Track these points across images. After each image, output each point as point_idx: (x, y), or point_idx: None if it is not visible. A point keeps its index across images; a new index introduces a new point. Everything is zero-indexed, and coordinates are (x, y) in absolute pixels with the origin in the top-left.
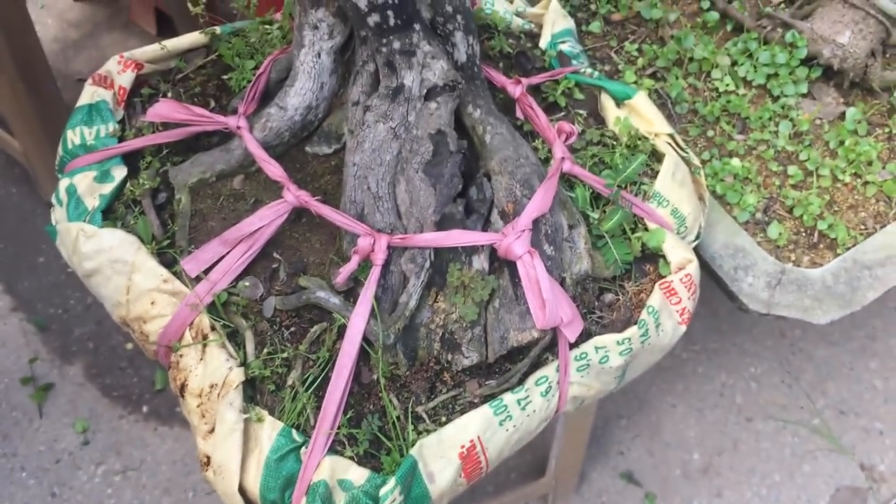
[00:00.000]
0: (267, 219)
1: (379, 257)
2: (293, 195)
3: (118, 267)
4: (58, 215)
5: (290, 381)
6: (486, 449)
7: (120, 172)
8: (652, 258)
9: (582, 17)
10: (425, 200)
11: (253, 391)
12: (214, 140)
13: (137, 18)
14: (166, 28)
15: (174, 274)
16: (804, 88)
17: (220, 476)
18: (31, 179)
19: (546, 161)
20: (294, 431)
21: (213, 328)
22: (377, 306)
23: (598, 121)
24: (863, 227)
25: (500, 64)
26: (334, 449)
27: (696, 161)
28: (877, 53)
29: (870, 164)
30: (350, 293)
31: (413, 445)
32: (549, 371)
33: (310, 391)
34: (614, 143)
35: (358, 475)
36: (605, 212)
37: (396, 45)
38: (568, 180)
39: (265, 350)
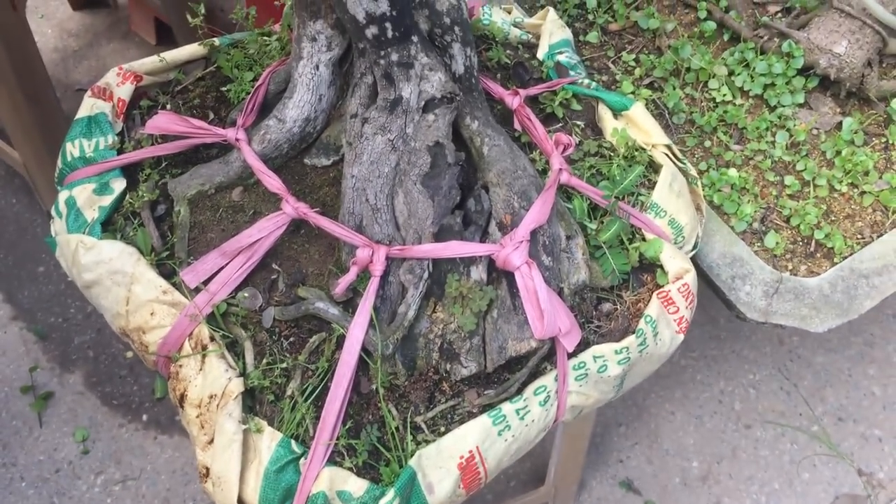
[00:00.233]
0: (266, 230)
1: (377, 268)
2: (292, 207)
3: (118, 278)
4: (57, 227)
5: (289, 392)
6: (485, 459)
7: (119, 184)
8: (649, 268)
9: (579, 28)
10: (423, 212)
11: (252, 402)
12: (213, 152)
13: (137, 28)
14: (166, 38)
15: (174, 285)
16: (801, 98)
17: (219, 487)
18: (30, 190)
19: (544, 172)
20: (293, 442)
21: (212, 339)
22: (376, 317)
23: (596, 132)
24: (859, 236)
25: (497, 75)
26: (333, 460)
27: (694, 171)
28: (873, 63)
29: (866, 173)
30: (349, 304)
31: (412, 456)
32: (547, 380)
33: (309, 401)
34: (612, 154)
35: (357, 486)
36: (602, 222)
37: (394, 57)
38: (566, 191)
39: (264, 360)
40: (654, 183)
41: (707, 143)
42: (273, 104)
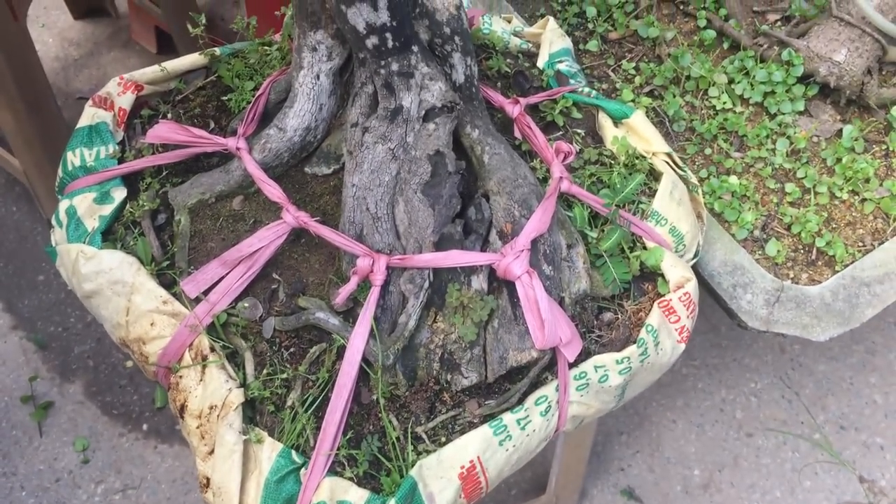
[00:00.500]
0: (266, 240)
1: (378, 278)
2: (292, 216)
3: (118, 288)
4: (57, 236)
5: (289, 402)
6: (486, 469)
7: (119, 194)
8: (650, 277)
9: (579, 36)
10: (424, 221)
11: (252, 412)
12: (214, 161)
13: (138, 37)
14: (166, 47)
15: (174, 295)
16: (801, 106)
17: (219, 498)
18: (31, 198)
19: (544, 181)
20: (294, 452)
21: (212, 349)
22: (376, 327)
23: (596, 140)
24: (861, 244)
25: (497, 84)
26: (334, 470)
27: (694, 179)
28: (873, 71)
29: (867, 181)
30: (349, 314)
31: (413, 466)
32: (548, 390)
33: (309, 412)
34: (612, 162)
35: (358, 496)
36: (603, 231)
37: (395, 66)
38: (566, 200)
39: (265, 371)
40: (655, 191)
41: (707, 151)
42: (273, 114)
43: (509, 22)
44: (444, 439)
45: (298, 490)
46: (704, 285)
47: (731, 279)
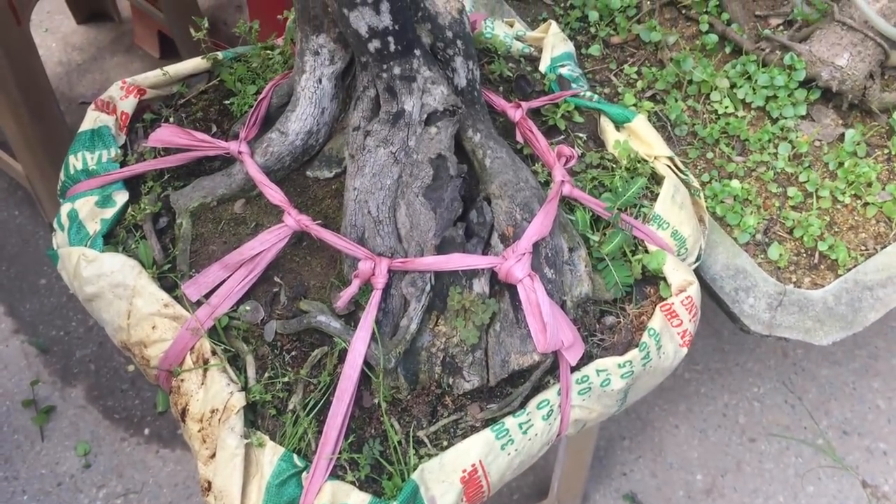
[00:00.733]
0: (268, 243)
1: (380, 281)
2: (294, 219)
3: (119, 291)
4: (59, 240)
5: (291, 406)
6: (488, 473)
7: (121, 197)
8: (652, 280)
9: (581, 41)
10: (426, 224)
11: (254, 416)
12: (216, 165)
13: (141, 42)
14: (169, 51)
15: (175, 298)
16: (803, 110)
17: (220, 502)
18: (33, 202)
19: (546, 184)
20: (295, 456)
21: (213, 353)
22: (378, 330)
23: (598, 144)
24: (863, 247)
25: (500, 88)
26: (336, 474)
27: (696, 183)
28: (875, 75)
29: (869, 185)
30: (351, 317)
31: (414, 470)
32: (550, 394)
33: (311, 415)
34: (614, 166)
35: (359, 500)
36: (605, 234)
37: (397, 70)
38: (568, 203)
39: (266, 374)
40: (657, 195)
41: (709, 155)
42: (276, 117)
43: (511, 26)
44: (445, 443)
45: (300, 494)
46: (707, 289)
47: (733, 283)
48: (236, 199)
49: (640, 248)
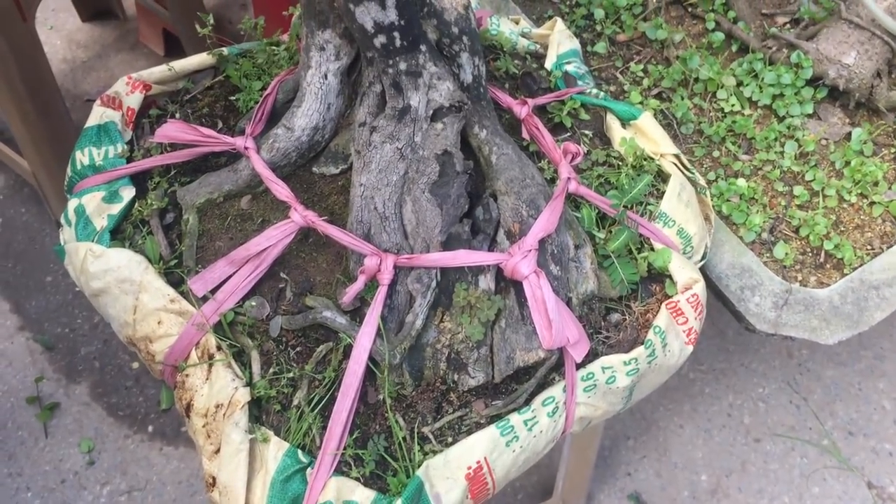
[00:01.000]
0: (274, 239)
1: (385, 277)
2: (300, 215)
3: (125, 286)
4: (66, 235)
5: (296, 401)
6: (493, 470)
7: (128, 193)
8: (658, 278)
9: (587, 38)
10: (432, 220)
11: (259, 411)
12: (222, 160)
13: (146, 39)
14: (174, 49)
15: (181, 294)
16: (810, 109)
17: (225, 497)
18: (39, 199)
19: (552, 181)
20: (300, 452)
21: (219, 348)
22: (383, 326)
23: (604, 141)
24: (869, 247)
25: (505, 84)
26: (340, 469)
27: (702, 181)
28: (882, 74)
29: (876, 184)
30: (356, 313)
31: (419, 466)
32: (555, 391)
33: (316, 411)
34: (620, 163)
35: (364, 496)
36: (611, 232)
37: (402, 66)
38: (574, 200)
39: (271, 370)
40: (663, 192)
41: (715, 154)
42: (281, 113)
43: (517, 23)
44: (450, 439)
45: (304, 489)
46: (712, 288)
47: (738, 282)
48: (242, 195)
49: (645, 245)
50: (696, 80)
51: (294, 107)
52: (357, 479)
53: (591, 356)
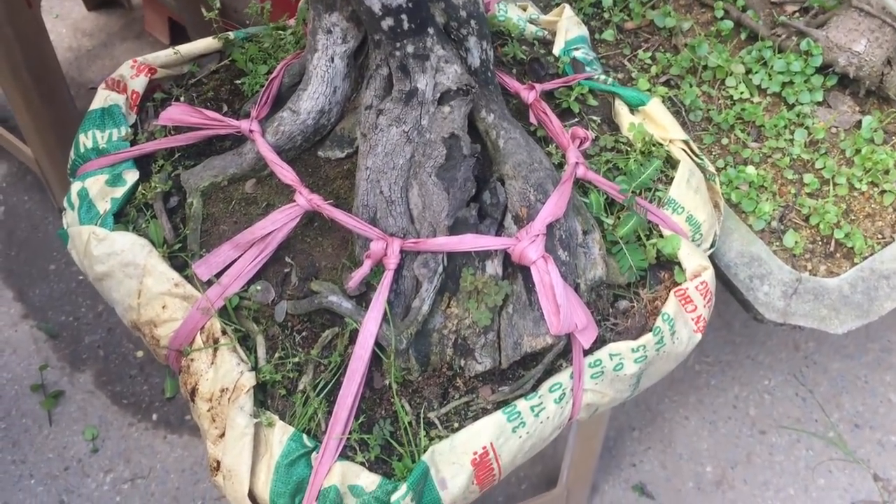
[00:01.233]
0: (279, 222)
1: (391, 261)
2: (305, 199)
3: (129, 270)
4: (69, 219)
5: (301, 386)
6: (500, 456)
7: (132, 176)
8: (667, 265)
9: (595, 26)
10: (438, 205)
11: (264, 396)
12: (227, 144)
13: (151, 28)
14: (180, 39)
15: (185, 278)
16: (819, 97)
17: (229, 481)
18: (43, 187)
19: (560, 167)
20: (305, 436)
21: (224, 332)
22: (389, 311)
23: (612, 127)
24: (880, 236)
25: (513, 70)
26: (345, 454)
27: (711, 168)
28: (893, 62)
29: (886, 172)
30: (362, 298)
31: (425, 451)
32: (562, 378)
33: (321, 396)
34: (628, 149)
35: (369, 481)
36: (619, 218)
37: (410, 48)
38: (582, 186)
39: (276, 354)
40: (672, 179)
41: (724, 141)
42: (287, 97)
43: (525, 10)
44: (456, 425)
45: (309, 474)
46: (720, 277)
47: (747, 270)
48: (247, 179)
49: (654, 232)
50: (705, 67)
51: (300, 90)
52: (362, 463)
53: (599, 343)
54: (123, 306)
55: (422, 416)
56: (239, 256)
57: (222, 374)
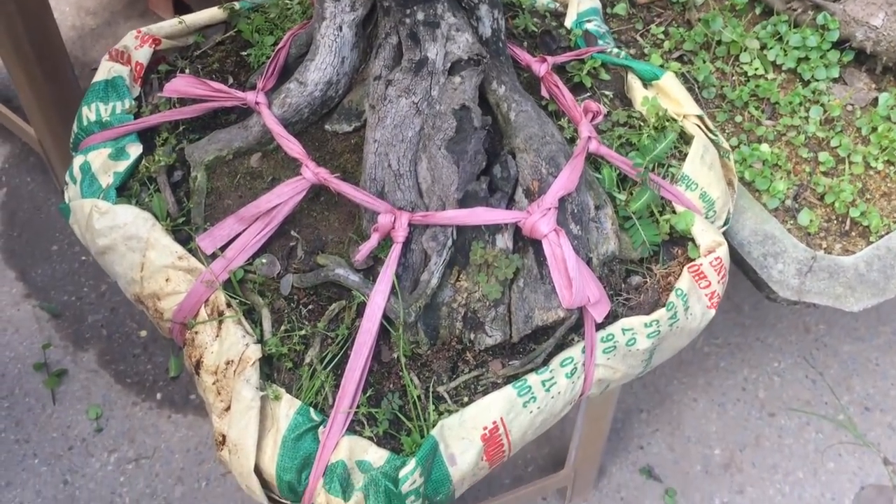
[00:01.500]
0: (285, 196)
1: (400, 234)
2: (312, 172)
3: (132, 244)
4: (71, 193)
5: (308, 359)
6: (510, 431)
7: (135, 149)
8: (680, 241)
9: (607, 0)
10: (448, 178)
11: (270, 369)
12: (232, 117)
13: (155, 7)
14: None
15: (189, 251)
16: (835, 73)
17: (235, 455)
18: (45, 168)
19: (572, 141)
20: (312, 410)
21: (228, 305)
22: (398, 284)
23: (625, 102)
24: None
25: (524, 43)
26: (353, 429)
27: (726, 144)
28: None
29: None
30: (370, 272)
31: (434, 426)
32: (574, 352)
33: (328, 369)
34: (641, 124)
35: (377, 456)
36: (632, 193)
37: (420, 15)
38: (594, 161)
39: (282, 327)
40: (685, 155)
41: (738, 118)
42: (294, 68)
43: None
44: (466, 399)
45: (316, 448)
46: (733, 255)
47: (761, 248)
48: (253, 153)
49: (667, 208)
50: (719, 42)
51: (307, 60)
52: (370, 438)
53: (612, 318)
54: (126, 280)
55: (431, 389)
56: (244, 230)
57: (227, 346)
